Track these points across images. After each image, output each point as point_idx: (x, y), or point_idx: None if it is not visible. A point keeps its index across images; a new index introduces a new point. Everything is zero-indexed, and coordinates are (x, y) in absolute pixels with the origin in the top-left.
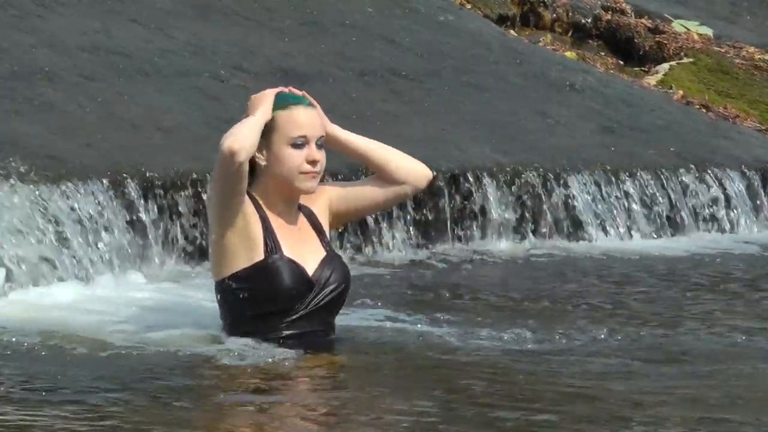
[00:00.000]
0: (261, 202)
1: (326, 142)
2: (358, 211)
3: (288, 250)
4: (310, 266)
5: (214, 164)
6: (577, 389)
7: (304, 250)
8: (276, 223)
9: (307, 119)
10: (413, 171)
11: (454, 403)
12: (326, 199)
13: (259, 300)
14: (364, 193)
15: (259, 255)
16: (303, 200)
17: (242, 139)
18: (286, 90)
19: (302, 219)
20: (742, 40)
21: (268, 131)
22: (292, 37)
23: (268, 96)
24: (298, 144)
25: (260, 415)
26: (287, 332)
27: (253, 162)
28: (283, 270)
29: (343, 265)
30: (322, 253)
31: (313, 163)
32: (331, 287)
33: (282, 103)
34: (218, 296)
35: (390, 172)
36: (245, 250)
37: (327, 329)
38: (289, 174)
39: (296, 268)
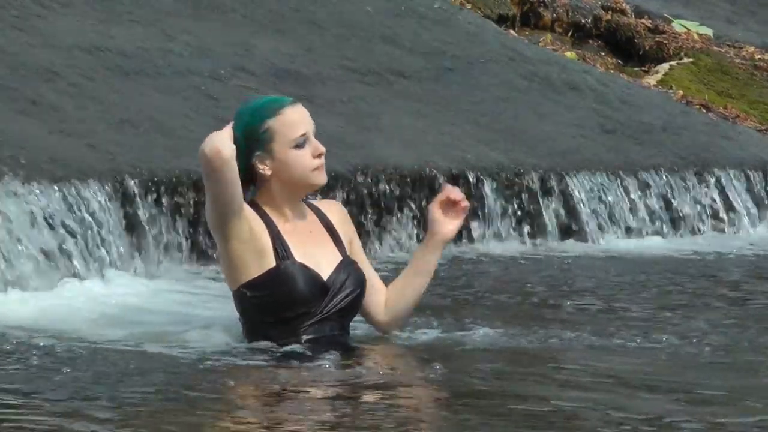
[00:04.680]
0: (266, 209)
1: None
2: None
3: (300, 254)
4: (325, 270)
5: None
6: (589, 389)
7: (318, 255)
8: (285, 228)
9: (300, 116)
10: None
11: (466, 412)
12: (345, 216)
13: (275, 305)
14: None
15: (271, 262)
16: (318, 205)
17: (220, 137)
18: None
19: (316, 223)
20: (742, 40)
21: (265, 142)
22: (292, 37)
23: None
24: (301, 143)
25: (270, 419)
26: (306, 336)
27: (253, 173)
28: (296, 275)
29: (359, 270)
30: (337, 257)
31: (320, 155)
32: (347, 291)
33: (269, 110)
34: (236, 303)
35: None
36: (256, 259)
37: (343, 334)
38: (302, 174)
39: (309, 273)
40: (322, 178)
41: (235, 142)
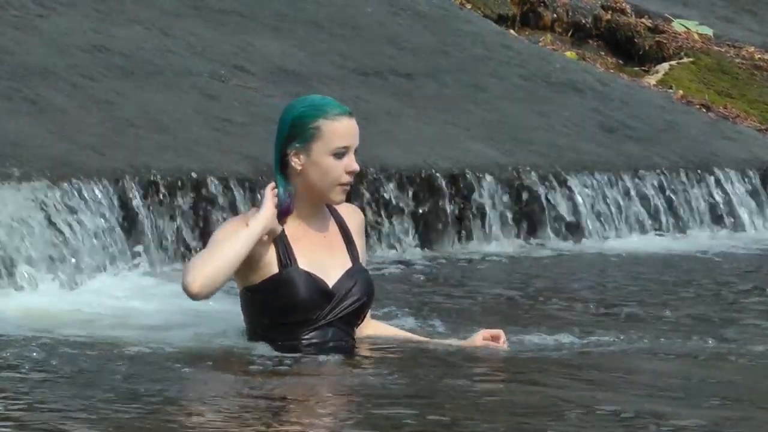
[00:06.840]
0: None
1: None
2: None
3: (305, 260)
4: (333, 277)
5: None
6: (596, 389)
7: (327, 261)
8: (295, 232)
9: (351, 130)
10: None
11: (468, 414)
12: (362, 225)
13: (277, 310)
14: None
15: (274, 269)
16: (338, 209)
17: (204, 278)
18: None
19: (333, 228)
20: (742, 40)
21: (308, 138)
22: (292, 37)
23: (264, 213)
24: (340, 154)
25: (266, 421)
26: (307, 340)
27: (285, 161)
28: (298, 282)
29: (368, 278)
30: (347, 264)
31: (351, 173)
32: (352, 299)
33: (326, 112)
34: (240, 303)
35: None
36: (258, 268)
37: (347, 339)
38: (328, 184)
39: (312, 279)
40: (340, 198)
41: (280, 126)
